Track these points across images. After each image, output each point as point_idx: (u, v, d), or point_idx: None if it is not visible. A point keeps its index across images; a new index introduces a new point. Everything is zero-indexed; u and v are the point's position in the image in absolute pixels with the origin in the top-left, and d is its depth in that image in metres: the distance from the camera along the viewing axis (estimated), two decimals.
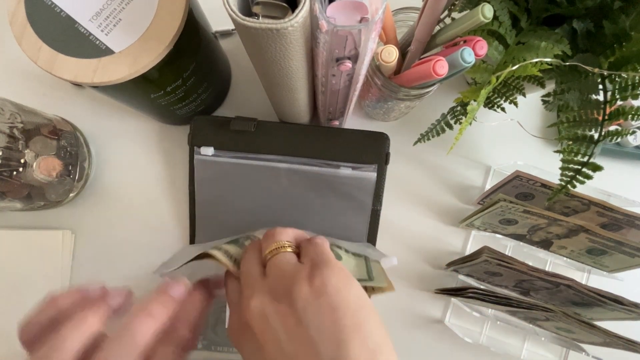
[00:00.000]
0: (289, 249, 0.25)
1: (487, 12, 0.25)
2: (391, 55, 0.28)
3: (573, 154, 0.27)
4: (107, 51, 0.27)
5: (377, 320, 0.21)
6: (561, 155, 0.28)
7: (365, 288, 0.26)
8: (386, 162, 0.38)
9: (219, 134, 0.38)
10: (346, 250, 0.32)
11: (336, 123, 0.39)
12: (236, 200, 0.39)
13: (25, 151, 0.35)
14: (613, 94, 0.26)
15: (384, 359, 0.19)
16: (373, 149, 0.38)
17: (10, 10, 0.27)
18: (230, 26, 0.43)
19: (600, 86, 0.27)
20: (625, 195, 0.39)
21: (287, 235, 0.26)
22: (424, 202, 0.42)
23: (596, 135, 0.27)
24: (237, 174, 0.38)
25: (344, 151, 0.38)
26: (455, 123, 0.34)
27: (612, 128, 0.26)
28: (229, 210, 0.39)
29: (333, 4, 0.21)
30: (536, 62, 0.26)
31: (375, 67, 0.31)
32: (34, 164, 0.35)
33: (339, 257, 0.33)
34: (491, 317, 0.39)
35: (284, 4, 0.22)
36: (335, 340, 0.19)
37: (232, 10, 0.19)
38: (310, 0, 0.20)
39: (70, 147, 0.39)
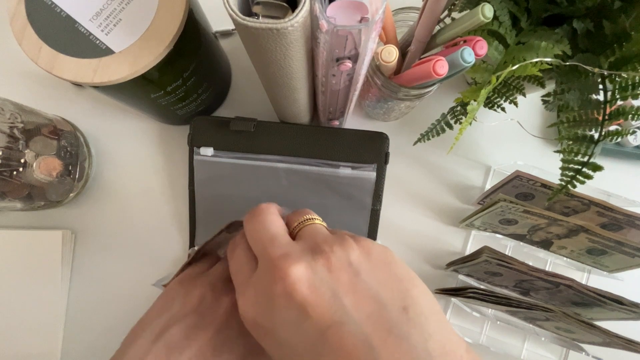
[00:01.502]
0: (323, 223, 0.22)
1: (487, 12, 0.25)
2: (391, 55, 0.28)
3: (573, 154, 0.27)
4: (107, 51, 0.27)
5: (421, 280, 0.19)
6: (561, 155, 0.28)
7: None
8: (386, 161, 0.38)
9: (219, 134, 0.38)
10: None
11: (336, 123, 0.39)
12: (236, 201, 0.39)
13: (26, 151, 0.35)
14: (613, 94, 0.26)
15: (439, 308, 0.18)
16: (372, 149, 0.38)
17: (10, 10, 0.27)
18: (230, 26, 0.43)
19: (600, 86, 0.27)
20: (625, 195, 0.39)
21: (316, 215, 0.23)
22: (424, 202, 0.42)
23: (596, 135, 0.27)
24: (236, 174, 0.38)
25: (343, 151, 0.38)
26: (455, 123, 0.34)
27: (612, 128, 0.26)
28: (229, 210, 0.39)
29: (333, 3, 0.21)
30: (536, 62, 0.26)
31: (375, 67, 0.31)
32: (34, 164, 0.35)
33: None
34: (491, 317, 0.39)
35: (284, 4, 0.22)
36: (399, 291, 0.17)
37: (232, 10, 0.19)
38: (311, 0, 0.20)
39: (70, 147, 0.39)
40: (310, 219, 0.22)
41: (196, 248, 0.39)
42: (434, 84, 0.31)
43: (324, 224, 0.23)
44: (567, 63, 0.27)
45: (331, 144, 0.38)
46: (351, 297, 0.17)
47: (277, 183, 0.38)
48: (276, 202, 0.38)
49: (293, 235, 0.21)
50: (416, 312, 0.17)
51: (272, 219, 0.21)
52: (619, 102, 0.26)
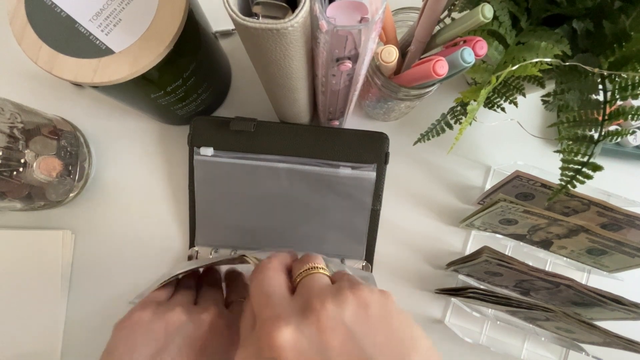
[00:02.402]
0: (325, 272, 0.22)
1: (487, 12, 0.25)
2: (391, 55, 0.28)
3: (573, 154, 0.27)
4: (107, 51, 0.27)
5: (426, 336, 0.18)
6: (561, 155, 0.28)
7: None
8: (386, 161, 0.38)
9: (219, 134, 0.38)
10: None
11: (336, 123, 0.39)
12: (236, 200, 0.39)
13: (25, 151, 0.35)
14: (613, 94, 0.26)
15: None
16: (372, 149, 0.38)
17: (10, 10, 0.27)
18: (230, 26, 0.43)
19: (600, 86, 0.27)
20: (625, 195, 0.39)
21: (322, 262, 0.23)
22: (424, 202, 0.42)
23: (596, 135, 0.27)
24: (236, 174, 0.38)
25: (343, 151, 0.38)
26: (455, 123, 0.34)
27: (612, 128, 0.27)
28: (228, 210, 0.39)
29: (333, 4, 0.21)
30: (536, 62, 0.26)
31: (375, 67, 0.31)
32: (34, 164, 0.35)
33: None
34: (491, 317, 0.39)
35: (284, 4, 0.22)
36: (398, 355, 0.16)
37: (232, 10, 0.19)
38: (310, 0, 0.20)
39: (70, 147, 0.39)
40: (312, 267, 0.21)
41: (196, 249, 0.39)
42: (434, 84, 0.31)
43: (327, 273, 0.22)
44: (567, 63, 0.27)
45: (331, 144, 0.38)
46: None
47: (277, 183, 0.39)
48: (276, 202, 0.39)
49: (295, 285, 0.21)
50: None
51: (271, 275, 0.21)
52: (619, 102, 0.26)
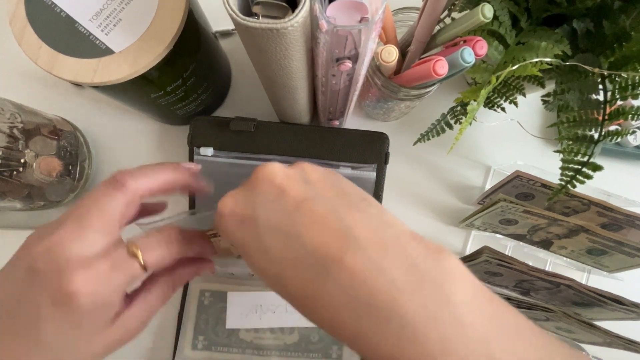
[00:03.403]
0: None
1: (487, 12, 0.25)
2: (391, 55, 0.28)
3: (573, 154, 0.27)
4: (107, 51, 0.27)
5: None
6: (561, 155, 0.28)
7: None
8: (386, 161, 0.38)
9: (219, 134, 0.38)
10: None
11: (336, 123, 0.39)
12: None
13: (25, 151, 0.35)
14: (613, 94, 0.26)
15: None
16: (372, 149, 0.38)
17: (10, 10, 0.27)
18: (230, 26, 0.43)
19: (600, 86, 0.27)
20: (625, 195, 0.38)
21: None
22: (424, 202, 0.42)
23: (596, 135, 0.27)
24: (237, 174, 0.38)
25: (343, 151, 0.38)
26: (455, 123, 0.34)
27: (612, 128, 0.26)
28: None
29: (333, 3, 0.21)
30: (536, 62, 0.26)
31: (375, 67, 0.31)
32: (34, 164, 0.35)
33: None
34: None
35: (284, 4, 0.22)
36: (359, 191, 0.20)
37: (232, 10, 0.19)
38: (310, 0, 0.20)
39: (70, 147, 0.39)
40: None
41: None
42: (434, 84, 0.31)
43: None
44: (567, 63, 0.27)
45: (331, 144, 0.38)
46: (321, 185, 0.19)
47: None
48: None
49: None
50: (373, 202, 0.19)
51: None
52: (619, 102, 0.26)
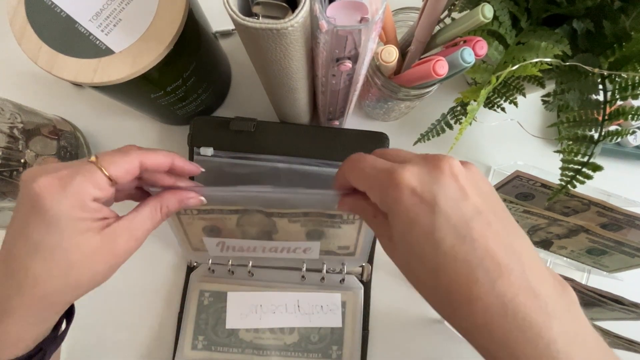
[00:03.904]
0: None
1: (487, 12, 0.25)
2: (391, 55, 0.28)
3: (573, 154, 0.27)
4: (107, 51, 0.27)
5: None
6: (561, 155, 0.28)
7: None
8: None
9: (219, 134, 0.38)
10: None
11: (336, 123, 0.39)
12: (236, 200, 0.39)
13: (25, 151, 0.35)
14: (613, 94, 0.26)
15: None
16: (372, 149, 0.38)
17: (10, 10, 0.27)
18: (230, 26, 0.43)
19: (600, 86, 0.27)
20: (625, 195, 0.38)
21: None
22: None
23: (596, 135, 0.27)
24: (236, 174, 0.38)
25: (343, 151, 0.38)
26: (455, 123, 0.34)
27: (612, 128, 0.27)
28: None
29: (333, 4, 0.21)
30: (536, 62, 0.26)
31: (375, 67, 0.31)
32: (34, 164, 0.35)
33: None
34: None
35: (284, 4, 0.22)
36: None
37: (232, 10, 0.19)
38: (310, 0, 0.20)
39: (70, 147, 0.39)
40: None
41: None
42: (434, 84, 0.31)
43: None
44: (567, 63, 0.27)
45: (331, 144, 0.38)
46: (492, 200, 0.20)
47: (277, 183, 0.38)
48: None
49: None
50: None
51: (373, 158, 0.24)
52: (619, 102, 0.26)
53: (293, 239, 0.35)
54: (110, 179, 0.21)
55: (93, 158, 0.21)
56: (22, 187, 0.20)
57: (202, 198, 0.26)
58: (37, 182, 0.20)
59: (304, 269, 0.38)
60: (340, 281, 0.39)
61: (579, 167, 0.27)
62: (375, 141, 0.38)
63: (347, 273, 0.39)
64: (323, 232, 0.34)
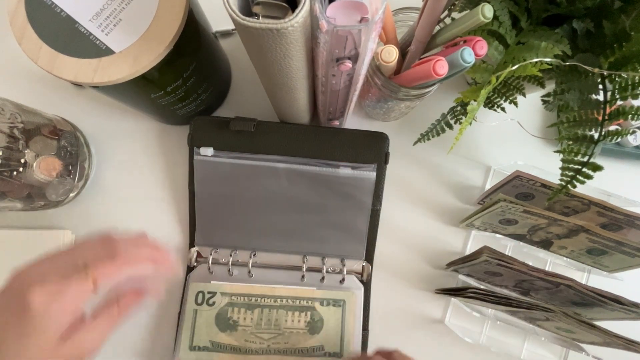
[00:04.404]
0: None
1: (487, 12, 0.25)
2: (391, 55, 0.28)
3: (573, 154, 0.27)
4: (107, 51, 0.27)
5: None
6: (561, 155, 0.28)
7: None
8: (386, 161, 0.38)
9: (219, 134, 0.38)
10: (327, 303, 0.37)
11: (336, 123, 0.39)
12: (236, 201, 0.39)
13: (26, 151, 0.35)
14: (613, 94, 0.26)
15: None
16: (372, 149, 0.38)
17: (10, 10, 0.27)
18: (230, 26, 0.43)
19: (600, 86, 0.27)
20: (625, 195, 0.38)
21: None
22: (424, 202, 0.42)
23: (596, 135, 0.27)
24: (236, 174, 0.38)
25: (343, 151, 0.38)
26: (455, 123, 0.34)
27: (612, 128, 0.26)
28: (229, 210, 0.39)
29: (333, 4, 0.21)
30: (536, 62, 0.26)
31: (375, 67, 0.31)
32: (34, 164, 0.35)
33: (319, 318, 0.37)
34: (491, 317, 0.39)
35: (284, 4, 0.22)
36: None
37: (232, 10, 0.19)
38: (310, 0, 0.20)
39: (70, 147, 0.39)
40: None
41: (196, 249, 0.39)
42: (434, 84, 0.31)
43: None
44: (567, 63, 0.27)
45: (331, 144, 0.38)
46: None
47: (277, 183, 0.39)
48: (276, 202, 0.39)
49: None
50: None
51: None
52: (619, 102, 0.26)
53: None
54: (95, 291, 0.22)
55: (90, 273, 0.22)
56: (16, 290, 0.21)
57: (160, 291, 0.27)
58: (32, 295, 0.20)
59: (304, 269, 0.38)
60: (340, 281, 0.39)
61: (579, 167, 0.27)
62: (375, 141, 0.38)
63: (347, 273, 0.39)
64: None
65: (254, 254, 0.39)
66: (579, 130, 0.28)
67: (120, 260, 0.23)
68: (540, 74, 0.26)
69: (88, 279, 0.21)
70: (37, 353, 0.21)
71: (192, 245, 0.40)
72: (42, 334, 0.21)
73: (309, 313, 0.38)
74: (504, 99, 0.32)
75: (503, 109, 0.33)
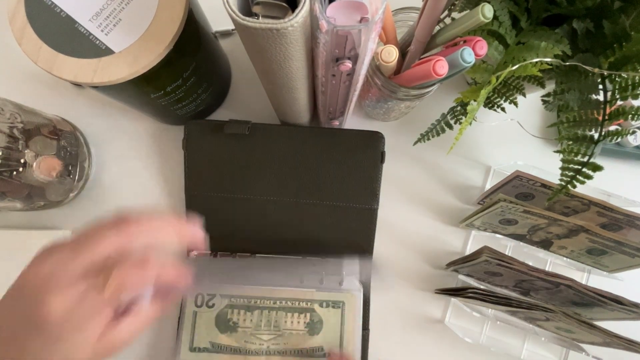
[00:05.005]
0: None
1: (487, 12, 0.25)
2: (391, 55, 0.28)
3: (573, 154, 0.27)
4: (107, 51, 0.27)
5: None
6: (561, 155, 0.28)
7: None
8: (382, 160, 0.38)
9: (214, 138, 0.38)
10: (326, 305, 0.37)
11: (336, 123, 0.39)
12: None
13: (25, 151, 0.35)
14: (613, 94, 0.26)
15: None
16: (368, 149, 0.38)
17: (10, 10, 0.27)
18: (230, 26, 0.43)
19: (600, 86, 0.27)
20: (625, 195, 0.38)
21: None
22: (424, 202, 0.42)
23: (596, 135, 0.27)
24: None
25: (339, 153, 0.38)
26: (455, 123, 0.34)
27: (612, 128, 0.26)
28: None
29: (333, 4, 0.21)
30: (536, 62, 0.26)
31: (375, 67, 0.31)
32: (34, 164, 0.35)
33: (319, 319, 0.37)
34: (491, 317, 0.39)
35: (284, 4, 0.22)
36: None
37: (232, 10, 0.19)
38: (310, 0, 0.20)
39: (70, 147, 0.39)
40: None
41: (194, 252, 0.39)
42: (434, 84, 0.31)
43: None
44: (567, 63, 0.27)
45: (327, 146, 0.38)
46: None
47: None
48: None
49: None
50: None
51: None
52: (619, 102, 0.26)
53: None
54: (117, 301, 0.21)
55: (110, 290, 0.20)
56: (31, 295, 0.19)
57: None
58: (50, 306, 0.19)
59: (304, 270, 0.38)
60: (340, 282, 0.39)
61: (579, 167, 0.27)
62: (371, 140, 0.38)
63: (347, 274, 0.39)
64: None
65: (254, 256, 0.39)
66: (579, 130, 0.28)
67: (149, 268, 0.22)
68: (540, 74, 0.26)
69: (111, 288, 0.20)
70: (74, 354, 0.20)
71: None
72: (71, 341, 0.19)
73: (308, 314, 0.38)
74: (504, 99, 0.32)
75: (503, 109, 0.33)
